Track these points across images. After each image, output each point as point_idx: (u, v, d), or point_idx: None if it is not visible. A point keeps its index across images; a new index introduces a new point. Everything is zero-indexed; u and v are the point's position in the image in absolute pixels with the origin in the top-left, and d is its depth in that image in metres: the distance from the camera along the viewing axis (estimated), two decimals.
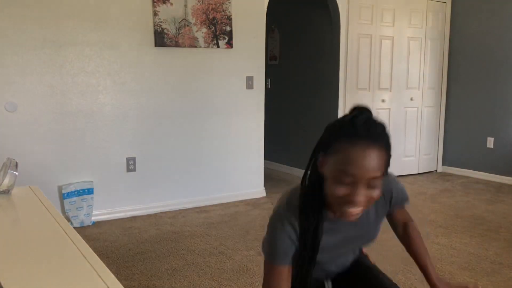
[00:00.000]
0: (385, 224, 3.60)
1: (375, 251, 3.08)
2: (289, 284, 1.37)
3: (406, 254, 3.11)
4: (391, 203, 1.47)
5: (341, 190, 1.16)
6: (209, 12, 4.06)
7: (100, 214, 3.80)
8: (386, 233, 3.68)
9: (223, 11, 4.12)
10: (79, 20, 3.57)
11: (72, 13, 3.53)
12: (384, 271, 2.90)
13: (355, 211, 1.19)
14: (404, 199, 1.52)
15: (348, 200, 1.16)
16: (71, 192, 3.59)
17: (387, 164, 1.18)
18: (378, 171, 1.14)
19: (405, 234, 1.71)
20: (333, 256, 1.52)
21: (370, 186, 1.15)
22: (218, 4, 4.09)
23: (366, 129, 1.15)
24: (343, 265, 1.65)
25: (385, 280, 1.69)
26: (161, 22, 3.85)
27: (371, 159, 1.13)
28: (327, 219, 1.32)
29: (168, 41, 3.90)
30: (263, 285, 1.41)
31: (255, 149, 4.50)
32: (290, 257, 1.32)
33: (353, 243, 1.56)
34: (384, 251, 3.09)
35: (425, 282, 2.72)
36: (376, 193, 1.18)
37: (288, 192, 1.35)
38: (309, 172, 1.28)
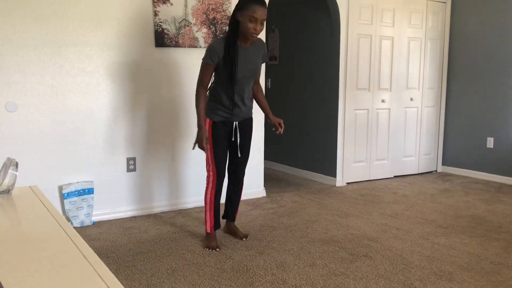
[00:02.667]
0: (382, 227, 3.57)
1: (377, 252, 3.08)
2: (210, 78, 2.98)
3: (406, 255, 3.12)
4: (263, 54, 3.09)
5: (252, 25, 2.79)
6: (209, 12, 4.06)
7: (100, 214, 3.80)
8: (386, 233, 3.69)
9: (223, 11, 4.12)
10: (79, 20, 3.57)
11: (72, 13, 3.54)
12: (385, 270, 2.93)
13: (257, 32, 2.82)
14: (267, 57, 3.14)
15: (254, 28, 2.80)
16: (71, 192, 3.59)
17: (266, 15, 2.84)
18: (265, 16, 2.80)
19: (257, 92, 3.21)
20: (242, 79, 2.96)
21: (261, 23, 2.81)
22: (218, 4, 4.09)
23: None
24: (243, 100, 3.06)
25: (242, 169, 3.28)
26: (161, 22, 3.85)
27: (263, 10, 2.79)
28: (240, 47, 2.93)
29: (168, 41, 3.90)
30: (198, 79, 2.98)
31: (255, 149, 4.50)
32: (214, 61, 2.89)
33: (250, 72, 3.00)
34: (385, 252, 3.09)
35: (424, 280, 2.74)
36: (263, 27, 2.84)
37: (219, 36, 3.08)
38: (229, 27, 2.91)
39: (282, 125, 3.13)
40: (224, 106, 3.02)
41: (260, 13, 2.78)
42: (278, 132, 3.14)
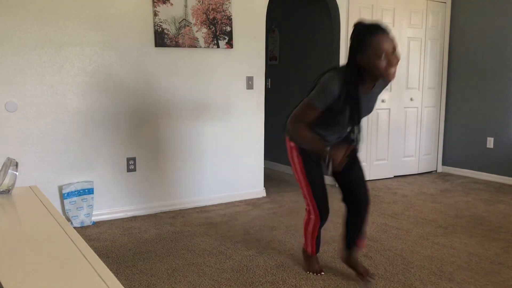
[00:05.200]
0: (382, 227, 3.56)
1: (377, 252, 3.08)
2: (309, 127, 2.32)
3: (406, 255, 3.11)
4: (383, 88, 2.47)
5: (383, 62, 2.12)
6: (209, 12, 4.06)
7: (100, 214, 3.80)
8: (386, 233, 3.68)
9: (223, 11, 4.12)
10: (79, 20, 3.57)
11: (72, 13, 3.54)
12: (384, 270, 2.92)
13: (394, 69, 2.15)
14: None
15: (389, 64, 2.12)
16: (71, 192, 3.59)
17: None
18: (393, 43, 2.15)
19: None
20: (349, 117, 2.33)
21: (394, 53, 2.13)
22: (218, 4, 4.09)
23: (378, 26, 2.15)
24: (341, 139, 2.48)
25: (361, 190, 2.58)
26: (161, 22, 3.85)
27: (390, 39, 2.14)
28: (361, 92, 2.28)
29: (168, 41, 3.90)
30: (296, 114, 2.34)
31: (255, 149, 4.50)
32: (325, 105, 2.25)
33: (365, 113, 2.38)
34: (385, 252, 3.09)
35: (424, 280, 2.73)
36: (398, 57, 2.15)
37: (335, 72, 2.29)
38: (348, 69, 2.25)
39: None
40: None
41: (388, 43, 2.12)
42: None
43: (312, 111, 2.29)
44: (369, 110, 2.42)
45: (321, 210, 2.56)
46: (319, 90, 2.26)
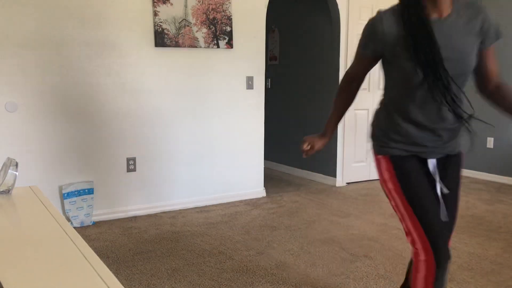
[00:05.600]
0: (382, 227, 3.54)
1: (377, 252, 3.08)
2: (362, 71, 1.79)
3: (406, 254, 3.10)
4: (484, 28, 1.72)
5: None
6: (209, 12, 4.06)
7: (100, 214, 3.80)
8: (386, 233, 3.67)
9: (223, 11, 4.12)
10: (79, 20, 3.57)
11: (72, 13, 3.54)
12: (385, 270, 2.92)
13: None
14: (498, 31, 1.75)
15: None
16: (71, 192, 3.59)
17: None
18: None
19: (504, 94, 1.85)
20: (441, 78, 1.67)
21: None
22: (218, 4, 4.09)
23: None
24: (442, 121, 1.83)
25: (448, 225, 1.75)
26: (161, 22, 3.85)
27: None
28: (431, 18, 1.60)
29: (168, 41, 3.90)
30: (347, 69, 1.86)
31: (255, 149, 4.50)
32: (373, 49, 1.67)
33: (453, 62, 1.69)
34: (385, 252, 3.09)
35: None
36: None
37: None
38: None
39: None
40: (403, 132, 1.75)
41: None
42: None
43: (360, 59, 1.76)
44: (460, 58, 1.72)
45: (434, 244, 1.65)
46: (363, 31, 1.71)
